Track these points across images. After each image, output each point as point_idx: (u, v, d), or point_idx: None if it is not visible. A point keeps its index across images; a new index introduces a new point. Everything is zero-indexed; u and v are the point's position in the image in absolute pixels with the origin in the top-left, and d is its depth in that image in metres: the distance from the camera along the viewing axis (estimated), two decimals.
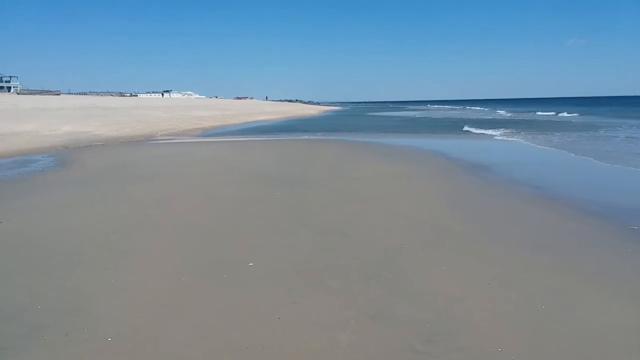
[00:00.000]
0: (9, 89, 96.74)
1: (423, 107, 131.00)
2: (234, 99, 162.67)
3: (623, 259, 6.39)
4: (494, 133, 28.85)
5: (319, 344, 4.24)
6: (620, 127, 32.93)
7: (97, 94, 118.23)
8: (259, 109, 75.72)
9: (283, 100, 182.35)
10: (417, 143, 23.57)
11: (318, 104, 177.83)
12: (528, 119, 49.04)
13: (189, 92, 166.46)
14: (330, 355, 4.08)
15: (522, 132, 29.10)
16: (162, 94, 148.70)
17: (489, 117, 55.58)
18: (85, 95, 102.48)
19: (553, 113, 61.35)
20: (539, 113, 65.28)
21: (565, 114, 56.66)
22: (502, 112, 74.39)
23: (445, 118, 55.71)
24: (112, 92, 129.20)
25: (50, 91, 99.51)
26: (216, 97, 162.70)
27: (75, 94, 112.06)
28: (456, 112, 76.99)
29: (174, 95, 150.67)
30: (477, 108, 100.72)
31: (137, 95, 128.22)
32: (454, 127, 36.66)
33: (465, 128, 34.05)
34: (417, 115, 66.61)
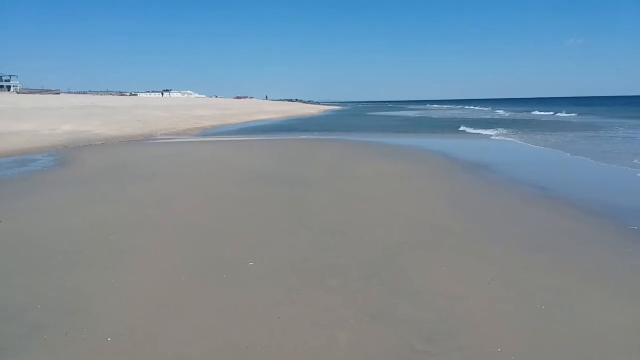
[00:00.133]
0: (8, 88, 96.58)
1: (422, 106, 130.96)
2: (233, 98, 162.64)
3: (623, 259, 6.39)
4: (490, 133, 28.87)
5: (318, 343, 4.24)
6: (619, 127, 32.93)
7: (97, 93, 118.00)
8: (259, 109, 75.72)
9: (283, 100, 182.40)
10: (416, 142, 23.60)
11: (318, 103, 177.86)
12: (526, 119, 49.04)
13: (189, 92, 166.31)
14: (330, 355, 4.08)
15: (519, 132, 29.10)
16: (162, 93, 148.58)
17: (488, 117, 55.57)
18: (84, 95, 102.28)
19: (551, 113, 61.29)
20: (537, 113, 65.26)
21: (563, 114, 56.65)
22: (500, 111, 74.42)
23: (444, 118, 55.69)
24: (112, 91, 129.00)
25: (50, 90, 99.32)
26: (216, 97, 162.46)
27: (74, 93, 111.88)
28: (455, 112, 77.01)
29: (174, 94, 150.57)
30: (476, 108, 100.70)
31: (136, 95, 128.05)
32: (452, 126, 36.62)
33: (461, 128, 34.06)
34: (416, 115, 66.70)
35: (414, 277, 5.74)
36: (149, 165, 15.32)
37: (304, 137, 27.64)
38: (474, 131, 30.92)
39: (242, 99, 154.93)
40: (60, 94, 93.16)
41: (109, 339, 4.31)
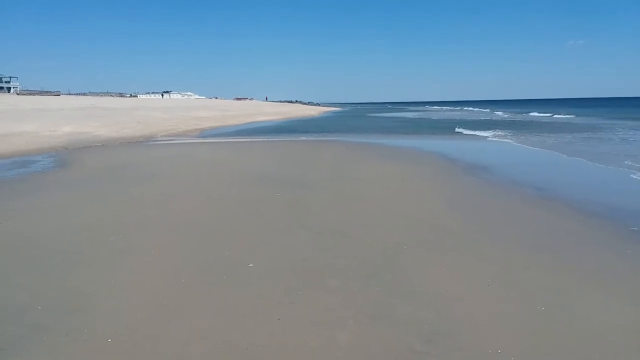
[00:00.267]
0: (8, 89, 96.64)
1: (422, 108, 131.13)
2: (233, 99, 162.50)
3: (623, 260, 6.40)
4: (487, 134, 28.89)
5: (318, 344, 4.25)
6: (617, 128, 33.04)
7: (97, 94, 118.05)
8: (259, 110, 75.75)
9: (283, 101, 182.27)
10: (415, 144, 23.62)
11: (318, 104, 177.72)
12: (524, 120, 49.24)
13: (189, 93, 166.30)
14: (329, 355, 4.08)
15: (517, 134, 29.15)
16: (162, 95, 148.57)
17: (487, 118, 55.74)
18: (84, 96, 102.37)
19: (549, 114, 61.34)
20: (535, 114, 65.24)
21: (561, 115, 56.82)
22: (499, 113, 74.64)
23: (443, 119, 55.71)
24: (112, 93, 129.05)
25: (50, 92, 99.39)
26: (216, 98, 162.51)
27: (75, 94, 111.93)
28: (454, 114, 77.07)
29: (174, 96, 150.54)
30: (475, 109, 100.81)
31: (136, 96, 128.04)
32: (449, 128, 36.56)
33: (458, 129, 34.03)
34: (416, 117, 66.88)
35: (414, 277, 5.75)
36: (149, 167, 15.33)
37: (304, 138, 27.66)
38: (471, 133, 30.93)
39: (242, 101, 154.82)
40: (60, 95, 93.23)
41: (109, 339, 4.31)
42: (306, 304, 5.05)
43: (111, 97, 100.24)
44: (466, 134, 30.35)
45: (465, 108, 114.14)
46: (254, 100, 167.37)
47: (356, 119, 63.32)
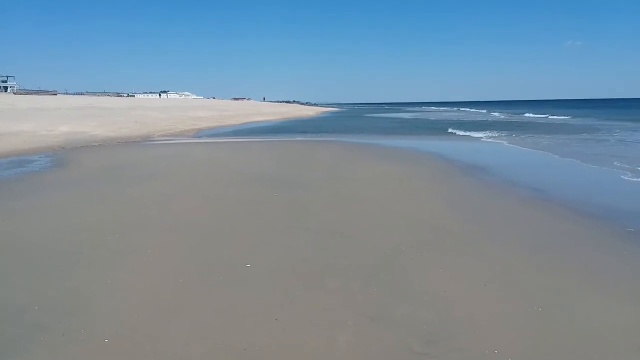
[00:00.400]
0: (5, 88, 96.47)
1: (419, 109, 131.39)
2: (231, 99, 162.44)
3: (621, 261, 6.41)
4: (481, 135, 28.95)
5: (316, 345, 4.25)
6: (612, 129, 33.18)
7: (94, 94, 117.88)
8: (257, 110, 75.73)
9: (280, 101, 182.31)
10: (412, 144, 23.63)
11: (315, 105, 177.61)
12: (520, 121, 49.38)
13: (186, 93, 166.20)
14: (329, 356, 4.08)
15: (511, 135, 29.23)
16: (159, 95, 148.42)
17: (483, 119, 55.91)
18: (82, 95, 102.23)
19: (545, 115, 61.52)
20: (531, 115, 65.35)
21: (556, 116, 57.08)
22: (495, 113, 74.90)
23: (439, 120, 55.73)
24: (109, 92, 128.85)
25: (47, 91, 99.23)
26: (213, 98, 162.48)
27: (72, 94, 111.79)
28: (450, 114, 77.24)
29: (171, 95, 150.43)
30: (472, 110, 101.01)
31: (134, 96, 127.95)
32: (446, 128, 36.59)
33: (450, 130, 34.07)
34: (412, 117, 67.13)
35: (413, 278, 5.75)
36: (147, 167, 15.30)
37: (301, 138, 27.66)
38: (464, 134, 30.98)
39: (240, 101, 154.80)
40: (58, 94, 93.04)
41: (107, 340, 4.30)
42: (305, 304, 5.05)
43: (108, 97, 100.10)
44: (460, 135, 30.36)
45: (462, 109, 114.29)
46: (251, 100, 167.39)
47: (353, 119, 63.38)
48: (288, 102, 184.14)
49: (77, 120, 32.09)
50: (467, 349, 4.17)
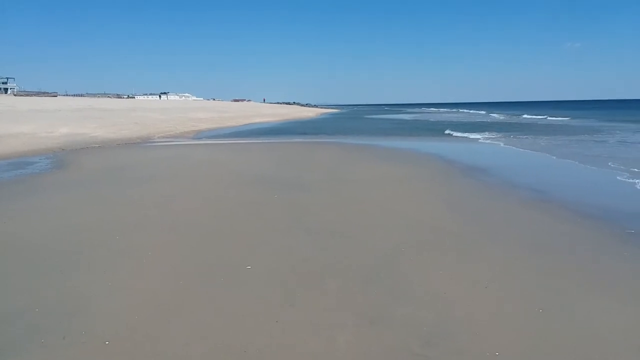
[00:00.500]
0: (5, 90, 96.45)
1: (419, 110, 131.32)
2: (231, 101, 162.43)
3: (621, 263, 6.42)
4: (478, 136, 29.02)
5: (316, 346, 4.25)
6: (609, 130, 33.38)
7: (94, 95, 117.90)
8: (257, 112, 75.75)
9: (281, 103, 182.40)
10: (411, 146, 23.70)
11: (316, 106, 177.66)
12: (518, 123, 49.56)
13: (187, 94, 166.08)
14: (328, 357, 4.08)
15: (509, 136, 29.29)
16: (160, 96, 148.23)
17: (483, 120, 56.08)
18: (82, 97, 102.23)
19: (544, 116, 61.60)
20: (530, 116, 65.42)
21: (555, 118, 57.28)
22: (495, 115, 75.03)
23: (439, 121, 55.67)
24: (109, 94, 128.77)
25: (47, 93, 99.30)
26: (214, 100, 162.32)
27: (72, 95, 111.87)
28: (450, 115, 77.22)
29: (171, 97, 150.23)
30: (472, 111, 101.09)
31: (134, 97, 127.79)
32: (444, 130, 36.60)
33: (447, 131, 34.08)
34: (412, 118, 67.19)
35: (413, 279, 5.76)
36: (147, 168, 15.31)
37: (302, 140, 27.69)
38: (461, 135, 31.05)
39: (240, 102, 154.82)
40: (58, 96, 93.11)
41: (107, 342, 4.30)
42: (305, 305, 5.05)
43: (108, 98, 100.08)
44: (457, 137, 30.39)
45: (462, 110, 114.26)
46: (251, 102, 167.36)
47: (353, 120, 63.42)
48: (288, 103, 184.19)
49: (77, 122, 32.11)
50: (467, 350, 4.17)
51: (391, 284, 5.61)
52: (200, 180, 12.85)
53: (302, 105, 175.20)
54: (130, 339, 4.36)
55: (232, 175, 13.63)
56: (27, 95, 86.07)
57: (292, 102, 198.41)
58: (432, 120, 59.92)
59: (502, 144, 24.08)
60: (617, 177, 12.96)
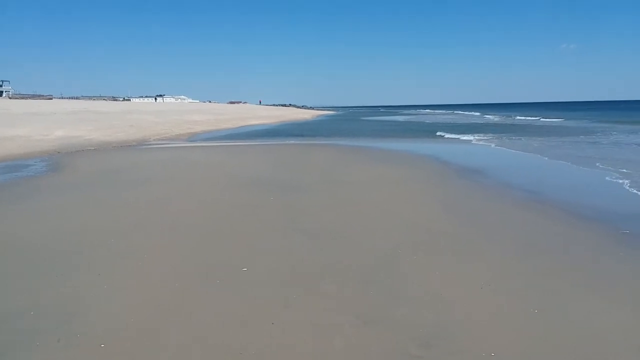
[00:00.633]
0: (0, 93, 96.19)
1: (414, 111, 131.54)
2: (227, 103, 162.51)
3: (616, 263, 6.44)
4: (471, 138, 29.11)
5: (313, 349, 4.24)
6: (603, 131, 33.50)
7: (90, 98, 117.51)
8: (253, 114, 75.71)
9: (277, 105, 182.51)
10: (405, 147, 23.75)
11: (312, 108, 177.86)
12: (512, 124, 49.86)
13: (182, 97, 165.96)
14: (326, 358, 4.08)
15: (501, 137, 29.43)
16: (155, 99, 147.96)
17: (477, 122, 56.24)
18: (77, 100, 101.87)
19: (538, 117, 61.86)
20: (524, 117, 65.68)
21: (549, 119, 57.70)
22: (489, 116, 75.49)
23: (433, 123, 55.72)
24: (105, 97, 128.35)
25: (43, 95, 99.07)
26: (209, 102, 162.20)
27: (67, 98, 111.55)
28: (445, 117, 77.36)
29: (167, 99, 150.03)
30: (467, 112, 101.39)
31: (129, 100, 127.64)
32: (437, 131, 36.69)
33: (439, 133, 34.18)
34: (406, 120, 67.55)
35: (409, 280, 5.76)
36: (143, 171, 15.28)
37: (298, 142, 27.69)
38: (453, 136, 31.19)
39: (236, 104, 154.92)
40: (53, 99, 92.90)
41: (103, 345, 4.29)
42: (301, 307, 5.04)
43: (104, 101, 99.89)
44: (447, 138, 30.53)
45: (457, 112, 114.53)
46: (247, 104, 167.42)
47: (349, 122, 63.48)
48: (284, 105, 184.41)
49: (73, 125, 32.01)
50: (464, 351, 4.18)
51: (388, 285, 5.61)
52: (197, 183, 12.83)
53: (298, 107, 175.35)
54: (126, 341, 4.34)
55: (228, 178, 13.61)
56: (22, 98, 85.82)
57: (288, 104, 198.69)
58: (426, 121, 60.06)
59: (493, 145, 24.18)
60: (610, 179, 12.99)
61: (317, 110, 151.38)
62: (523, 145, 23.58)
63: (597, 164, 15.62)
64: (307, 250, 6.90)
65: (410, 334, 4.46)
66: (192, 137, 31.80)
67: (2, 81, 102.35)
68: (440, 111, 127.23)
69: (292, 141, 28.17)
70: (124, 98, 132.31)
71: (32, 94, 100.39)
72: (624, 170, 14.09)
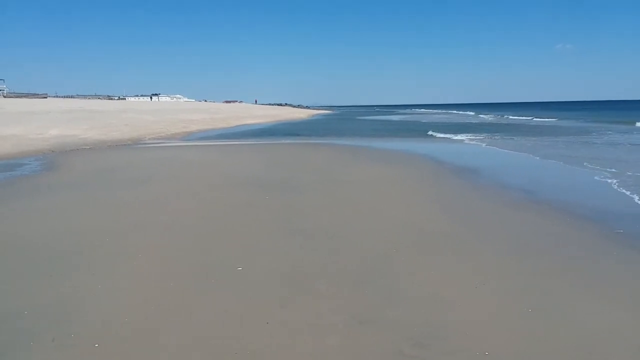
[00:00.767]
0: None
1: (410, 111, 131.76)
2: (223, 102, 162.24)
3: (610, 262, 6.47)
4: (463, 138, 29.22)
5: (307, 349, 4.25)
6: (596, 131, 33.75)
7: (85, 97, 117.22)
8: (248, 113, 75.62)
9: (272, 104, 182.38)
10: (402, 147, 23.82)
11: (307, 107, 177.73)
12: (506, 123, 50.13)
13: (178, 96, 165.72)
14: (320, 358, 4.08)
15: (492, 137, 29.62)
16: (151, 98, 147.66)
17: (471, 122, 56.41)
18: (72, 99, 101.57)
19: (530, 117, 62.09)
20: (518, 117, 65.88)
21: (542, 118, 58.04)
22: (483, 116, 75.85)
23: (427, 122, 55.64)
24: (100, 95, 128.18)
25: (37, 94, 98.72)
26: (205, 101, 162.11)
27: (62, 97, 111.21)
28: (440, 117, 77.46)
29: (163, 98, 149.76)
30: (461, 112, 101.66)
31: (125, 99, 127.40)
32: (431, 130, 36.75)
33: (430, 132, 34.32)
34: (400, 119, 67.76)
35: (404, 280, 5.77)
36: (138, 170, 15.25)
37: (293, 141, 27.69)
38: (444, 136, 31.31)
39: (232, 103, 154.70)
40: (48, 98, 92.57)
41: (97, 344, 4.28)
42: (296, 308, 5.04)
43: (99, 100, 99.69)
44: (439, 137, 30.63)
45: (452, 111, 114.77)
46: (243, 103, 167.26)
47: (345, 121, 63.48)
48: (280, 104, 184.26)
49: (68, 124, 31.92)
50: (458, 350, 4.19)
51: (383, 284, 5.62)
52: (192, 182, 12.81)
53: (294, 106, 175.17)
54: (120, 340, 4.34)
55: (223, 177, 13.60)
56: (17, 96, 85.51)
57: (283, 103, 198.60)
58: (420, 121, 60.12)
59: (484, 145, 24.32)
60: (599, 178, 13.05)
61: (313, 109, 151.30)
62: (514, 145, 23.74)
63: (585, 163, 15.84)
64: (302, 250, 6.90)
65: (405, 333, 4.48)
66: (188, 136, 31.75)
67: None
68: (436, 111, 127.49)
69: (288, 140, 28.17)
70: (119, 97, 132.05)
71: (26, 92, 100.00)
72: (613, 170, 14.20)
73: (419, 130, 38.52)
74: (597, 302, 5.17)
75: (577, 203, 10.17)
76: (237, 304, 5.13)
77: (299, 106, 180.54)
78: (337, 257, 6.57)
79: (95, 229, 8.01)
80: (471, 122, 53.72)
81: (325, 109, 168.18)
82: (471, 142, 26.16)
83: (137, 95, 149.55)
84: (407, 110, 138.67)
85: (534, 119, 57.92)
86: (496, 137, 29.21)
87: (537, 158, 18.29)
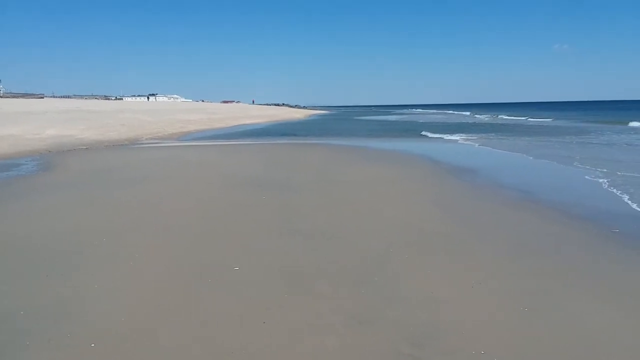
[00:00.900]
0: None
1: (407, 111, 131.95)
2: (220, 102, 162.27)
3: (607, 262, 6.49)
4: (456, 138, 29.30)
5: (305, 349, 4.24)
6: (590, 131, 33.88)
7: (82, 97, 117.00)
8: (246, 113, 75.58)
9: (269, 104, 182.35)
10: (398, 146, 23.80)
11: (305, 107, 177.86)
12: (501, 123, 50.37)
13: (175, 96, 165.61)
14: (317, 359, 4.08)
15: (490, 137, 29.70)
16: (148, 98, 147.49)
17: (466, 122, 56.55)
18: (69, 99, 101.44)
19: (526, 117, 62.30)
20: (514, 117, 66.03)
21: (537, 118, 58.36)
22: (479, 116, 76.18)
23: (423, 122, 55.81)
24: (97, 96, 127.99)
25: (34, 94, 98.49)
26: (202, 101, 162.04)
27: (59, 97, 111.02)
28: (436, 117, 77.60)
29: (160, 98, 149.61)
30: (457, 112, 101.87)
31: (122, 99, 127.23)
32: (421, 130, 36.80)
33: (423, 133, 34.44)
34: (396, 119, 67.93)
35: (401, 281, 5.77)
36: (135, 170, 15.22)
37: (291, 141, 27.67)
38: (437, 136, 31.41)
39: (229, 104, 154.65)
40: (44, 98, 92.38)
41: (93, 344, 4.27)
42: (293, 308, 5.04)
43: (96, 100, 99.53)
44: (432, 137, 30.72)
45: (449, 111, 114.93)
46: (240, 103, 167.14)
47: (342, 122, 63.50)
48: (277, 104, 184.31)
49: (65, 124, 31.84)
50: (455, 350, 4.19)
51: (381, 285, 5.62)
52: (189, 182, 12.79)
53: (291, 106, 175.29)
54: (116, 340, 4.33)
55: (221, 177, 13.59)
56: (14, 97, 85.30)
57: (281, 103, 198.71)
58: (416, 121, 60.27)
59: (477, 145, 24.43)
60: (596, 179, 13.07)
61: (310, 109, 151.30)
62: (508, 145, 23.86)
63: (575, 163, 15.98)
64: (301, 250, 6.90)
65: (403, 333, 4.48)
66: (185, 136, 31.71)
67: None
68: (433, 111, 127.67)
69: (285, 141, 28.16)
70: (116, 97, 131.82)
71: (23, 93, 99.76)
72: (605, 170, 14.28)
73: (414, 131, 38.50)
74: (594, 302, 5.18)
75: (570, 202, 10.23)
76: (236, 304, 5.12)
77: (296, 106, 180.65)
78: (336, 257, 6.57)
79: (92, 229, 7.99)
80: (466, 122, 53.82)
81: (322, 109, 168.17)
82: (465, 142, 26.24)
83: (134, 96, 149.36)
84: (405, 111, 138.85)
85: (529, 119, 58.08)
86: (490, 137, 29.32)
87: (531, 158, 18.38)
